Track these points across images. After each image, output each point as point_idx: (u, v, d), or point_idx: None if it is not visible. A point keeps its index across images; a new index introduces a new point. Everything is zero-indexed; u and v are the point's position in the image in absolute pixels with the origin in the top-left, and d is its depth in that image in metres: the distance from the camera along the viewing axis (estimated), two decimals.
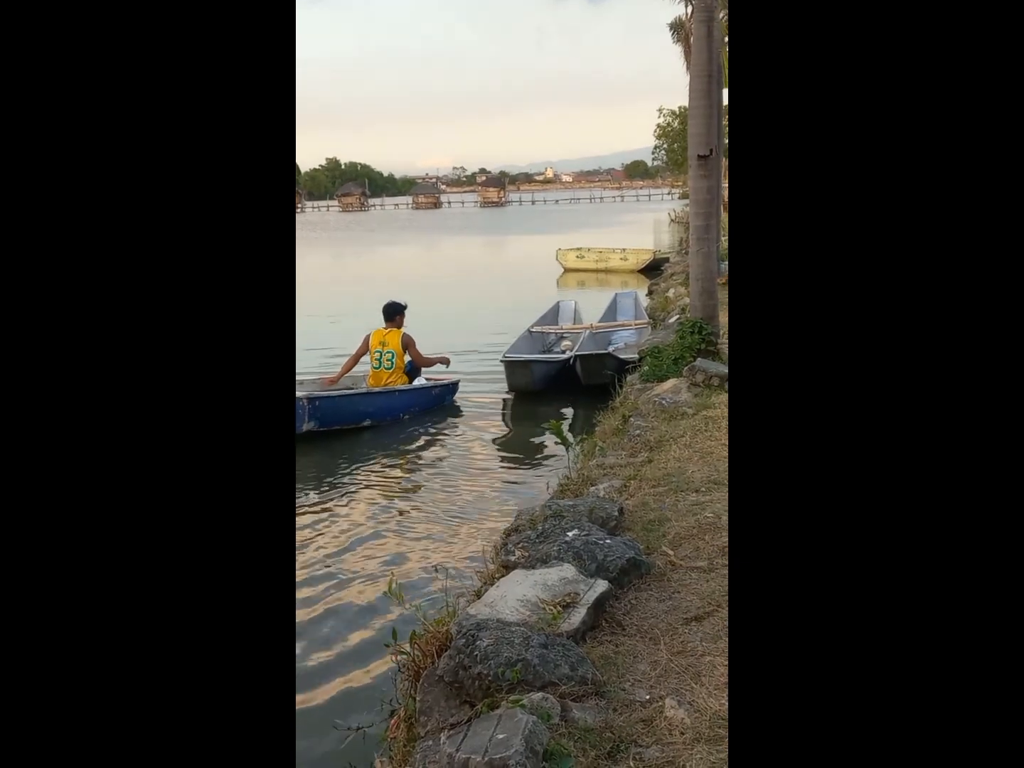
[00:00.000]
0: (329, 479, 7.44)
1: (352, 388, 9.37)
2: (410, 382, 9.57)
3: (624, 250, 26.75)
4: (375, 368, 9.51)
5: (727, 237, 20.05)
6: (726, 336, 8.38)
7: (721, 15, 9.34)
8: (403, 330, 9.66)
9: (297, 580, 5.30)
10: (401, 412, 9.27)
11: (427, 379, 9.82)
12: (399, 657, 3.26)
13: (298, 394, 8.17)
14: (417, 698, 2.90)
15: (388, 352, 9.46)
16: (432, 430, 8.93)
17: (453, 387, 9.99)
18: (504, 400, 10.15)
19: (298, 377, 8.90)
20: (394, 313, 9.75)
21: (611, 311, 14.52)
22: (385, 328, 9.65)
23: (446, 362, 10.08)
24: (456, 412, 9.71)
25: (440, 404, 9.76)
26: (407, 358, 9.59)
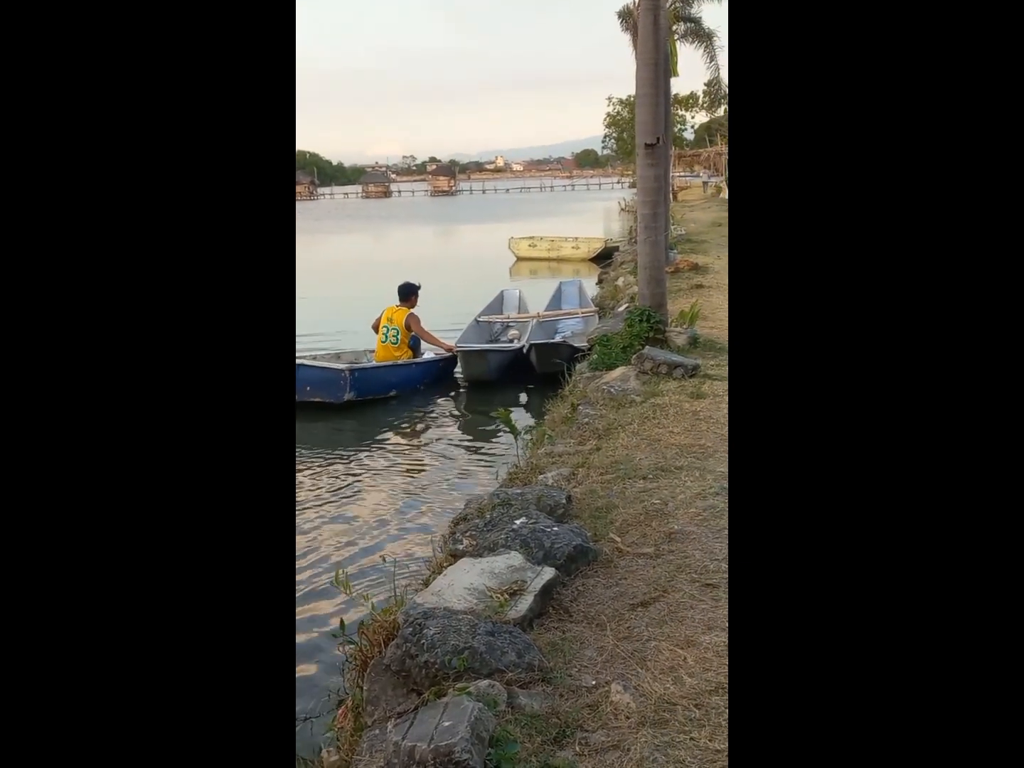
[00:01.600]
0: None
1: (372, 362, 10.07)
2: (414, 356, 10.23)
3: (576, 239, 26.79)
4: (382, 342, 10.17)
5: (675, 226, 20.22)
6: (674, 324, 8.45)
7: (668, 3, 9.37)
8: (410, 310, 10.26)
9: None
10: (418, 383, 10.03)
11: (433, 354, 10.51)
12: (347, 647, 3.25)
13: (340, 366, 9.17)
14: (364, 687, 2.90)
15: (393, 328, 10.13)
16: (426, 407, 9.40)
17: (453, 360, 10.49)
18: (457, 389, 10.23)
19: (320, 352, 10.38)
20: (408, 293, 10.40)
21: (556, 299, 14.56)
22: (397, 306, 10.29)
23: (450, 350, 10.47)
24: (455, 386, 10.25)
25: (447, 376, 10.42)
26: (412, 335, 10.21)
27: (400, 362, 10.04)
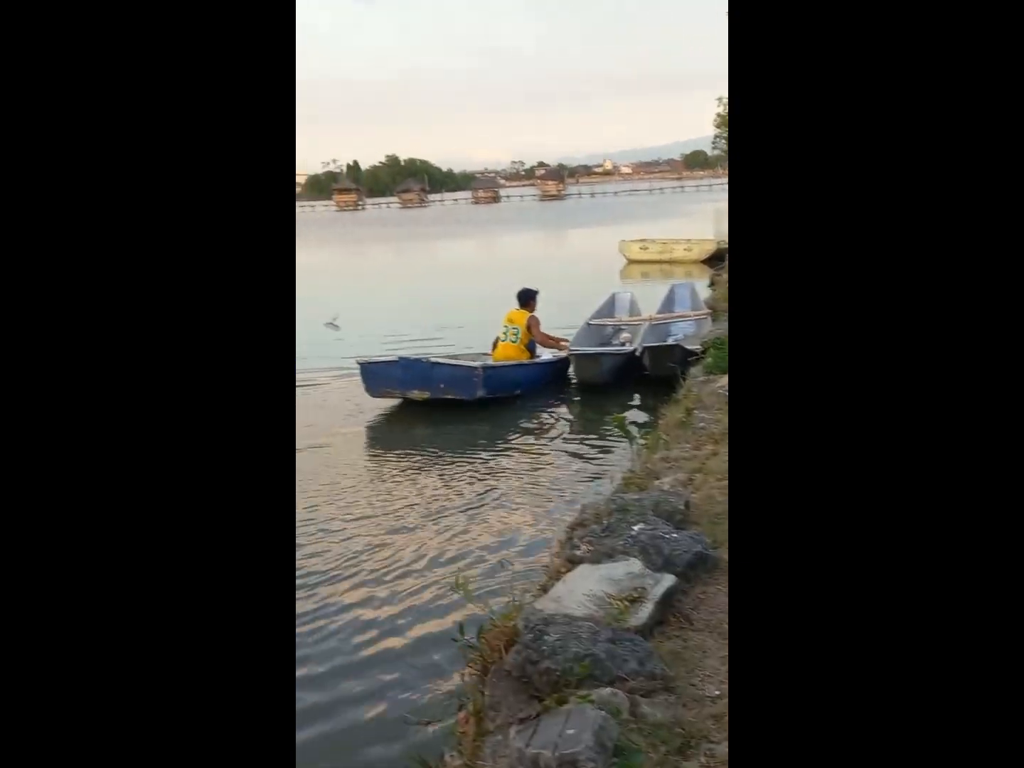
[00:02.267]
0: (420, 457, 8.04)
1: (498, 360, 10.35)
2: (531, 357, 10.60)
3: (688, 241, 26.54)
4: (502, 341, 10.59)
5: None
6: None
7: None
8: (531, 313, 10.72)
9: (368, 569, 5.38)
10: (540, 382, 10.36)
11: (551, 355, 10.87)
12: (467, 652, 3.27)
13: (473, 364, 9.65)
14: (486, 693, 2.91)
15: (514, 328, 10.57)
16: (542, 411, 9.65)
17: (568, 362, 10.66)
18: (571, 392, 10.29)
19: (448, 352, 10.94)
20: (528, 298, 10.86)
21: (668, 302, 14.33)
22: (517, 309, 10.77)
23: (564, 345, 10.84)
24: (569, 387, 10.45)
25: (564, 376, 10.65)
26: (530, 339, 10.61)
27: (525, 361, 10.42)
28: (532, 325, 10.61)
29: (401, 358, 9.69)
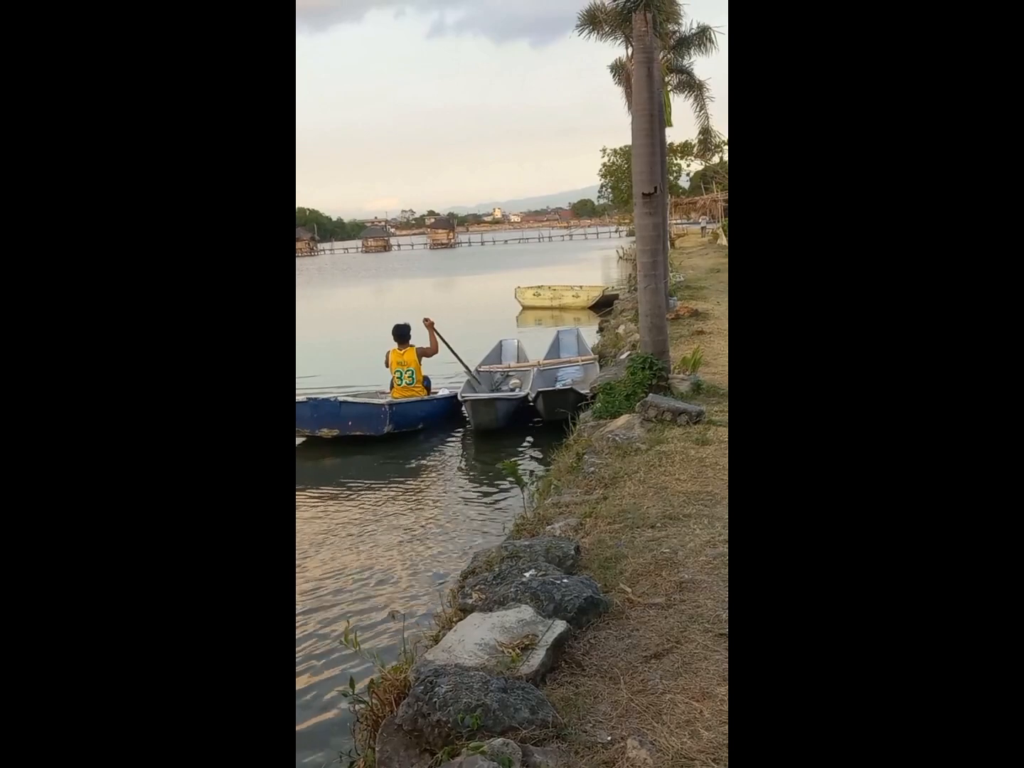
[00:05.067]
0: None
1: (398, 398, 10.69)
2: (427, 393, 11.07)
3: (580, 287, 27.01)
4: (399, 386, 10.93)
5: (674, 273, 20.34)
6: (676, 371, 8.45)
7: (660, 56, 9.49)
8: (414, 346, 11.06)
9: None
10: (440, 416, 10.87)
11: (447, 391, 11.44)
12: (357, 706, 3.20)
13: (380, 402, 10.17)
14: (376, 748, 2.84)
15: (408, 370, 10.93)
16: (440, 451, 9.96)
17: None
18: (465, 439, 10.37)
19: (352, 391, 11.41)
20: (405, 334, 11.07)
21: (555, 348, 14.69)
22: (399, 349, 11.03)
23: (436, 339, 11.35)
24: (464, 428, 10.72)
25: (457, 410, 10.99)
26: (425, 376, 11.10)
27: (424, 398, 10.92)
28: (421, 354, 11.05)
29: (310, 398, 10.11)
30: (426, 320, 11.36)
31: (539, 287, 27.78)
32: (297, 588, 5.75)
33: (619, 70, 20.96)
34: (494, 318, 22.97)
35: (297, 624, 5.23)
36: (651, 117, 8.21)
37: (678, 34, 20.08)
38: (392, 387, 11.03)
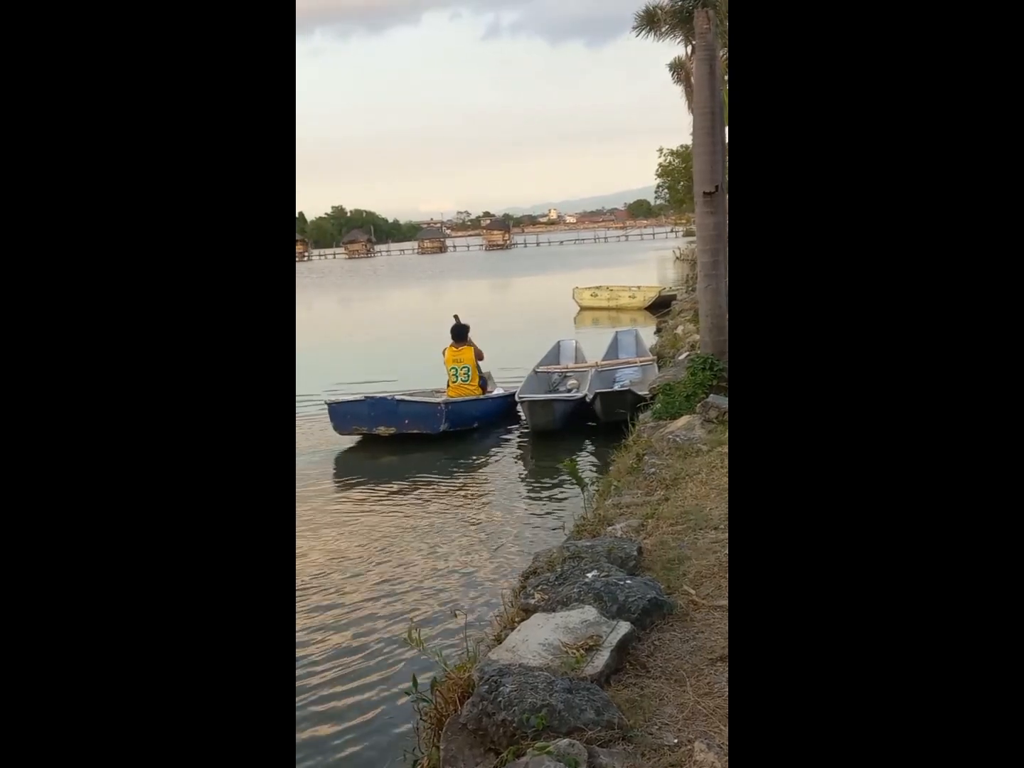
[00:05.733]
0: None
1: (454, 397, 10.89)
2: (483, 392, 11.24)
3: (637, 288, 26.95)
4: (454, 383, 11.11)
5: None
6: None
7: (721, 53, 9.42)
8: (472, 345, 11.28)
9: (314, 615, 5.31)
10: (495, 415, 11.01)
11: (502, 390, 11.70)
12: (421, 705, 3.21)
13: (436, 400, 10.41)
14: (441, 747, 2.84)
15: (464, 367, 11.10)
16: (497, 452, 10.00)
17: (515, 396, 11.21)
18: (522, 439, 10.38)
19: (413, 390, 11.42)
20: (464, 332, 11.30)
21: (613, 349, 14.63)
22: (456, 347, 11.22)
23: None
24: (519, 429, 10.78)
25: (514, 410, 11.10)
26: (480, 376, 11.28)
27: (480, 397, 11.09)
28: (479, 355, 11.25)
29: (367, 397, 10.31)
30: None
31: (597, 288, 27.76)
32: (358, 587, 5.80)
33: (678, 69, 20.81)
34: (552, 318, 23.00)
35: (359, 622, 5.27)
36: (712, 115, 8.15)
37: None
38: (448, 385, 11.18)
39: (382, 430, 10.09)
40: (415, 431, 10.06)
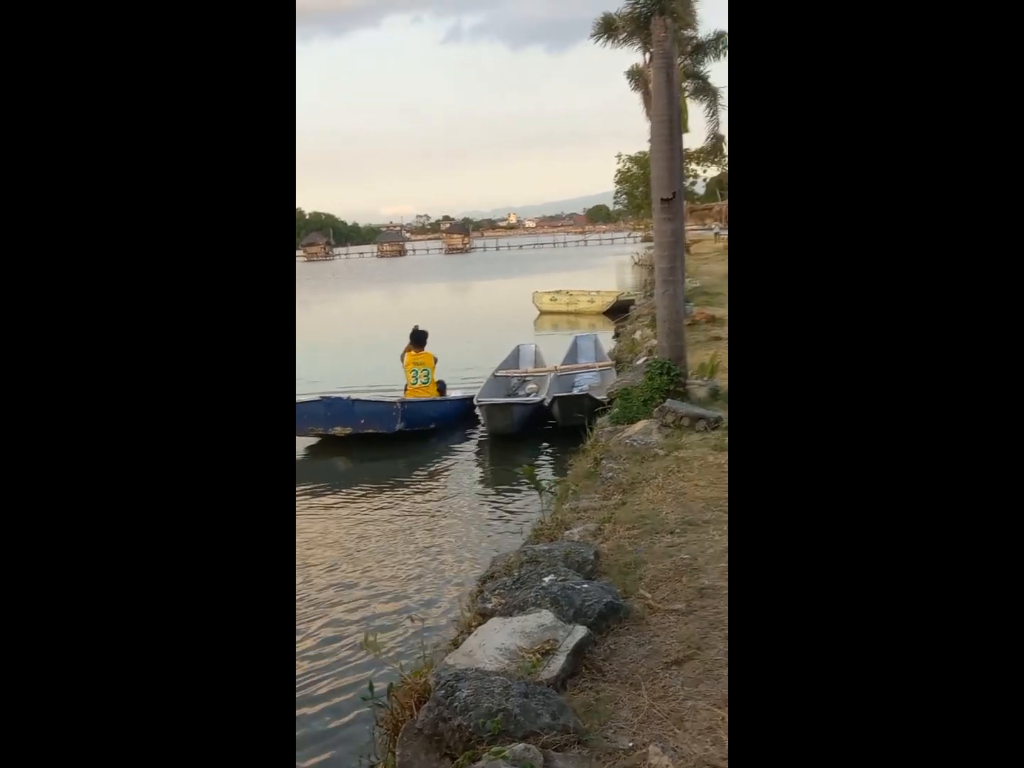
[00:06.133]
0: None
1: (411, 398, 10.95)
2: (440, 395, 11.32)
3: (596, 292, 27.02)
4: (412, 385, 11.22)
5: (690, 279, 20.33)
6: (694, 376, 8.42)
7: (678, 61, 9.49)
8: (431, 353, 11.43)
9: None
10: (453, 417, 11.04)
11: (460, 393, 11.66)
12: (377, 711, 3.20)
13: (392, 399, 10.46)
14: (397, 753, 2.84)
15: (423, 370, 11.23)
16: (454, 455, 9.99)
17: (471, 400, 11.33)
18: (481, 443, 10.37)
19: (377, 391, 11.69)
20: (424, 337, 11.43)
21: (572, 353, 14.69)
22: (416, 351, 11.35)
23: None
24: (478, 432, 10.78)
25: (472, 413, 11.09)
26: (439, 380, 11.41)
27: (438, 398, 11.18)
28: (435, 361, 11.36)
29: (323, 397, 10.23)
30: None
31: (556, 292, 27.80)
32: (312, 593, 5.76)
33: (636, 76, 20.97)
34: (512, 322, 23.04)
35: (314, 629, 5.24)
36: (670, 123, 8.19)
37: (695, 40, 20.10)
38: (406, 388, 11.24)
39: (338, 430, 10.08)
40: (371, 431, 10.07)
